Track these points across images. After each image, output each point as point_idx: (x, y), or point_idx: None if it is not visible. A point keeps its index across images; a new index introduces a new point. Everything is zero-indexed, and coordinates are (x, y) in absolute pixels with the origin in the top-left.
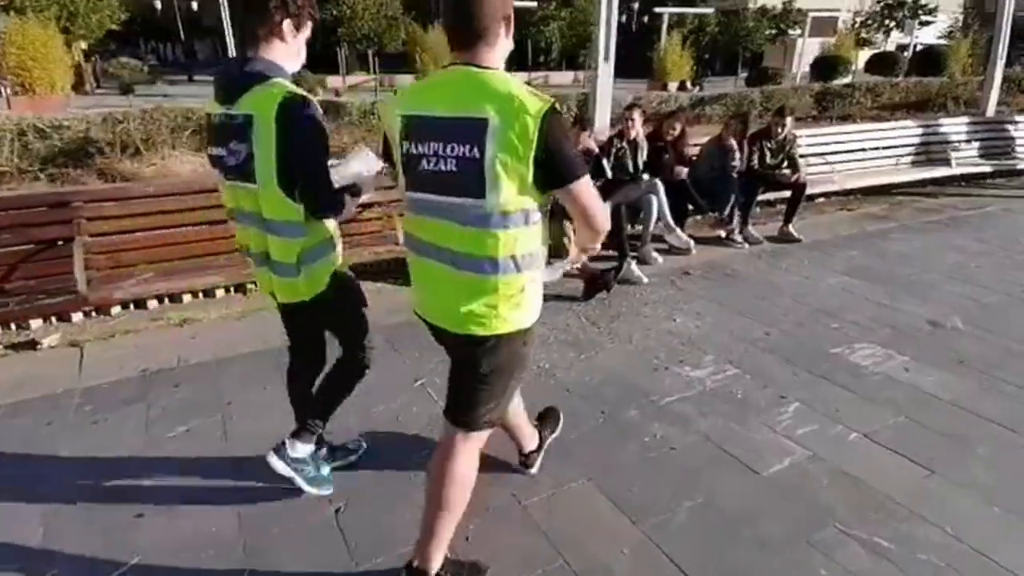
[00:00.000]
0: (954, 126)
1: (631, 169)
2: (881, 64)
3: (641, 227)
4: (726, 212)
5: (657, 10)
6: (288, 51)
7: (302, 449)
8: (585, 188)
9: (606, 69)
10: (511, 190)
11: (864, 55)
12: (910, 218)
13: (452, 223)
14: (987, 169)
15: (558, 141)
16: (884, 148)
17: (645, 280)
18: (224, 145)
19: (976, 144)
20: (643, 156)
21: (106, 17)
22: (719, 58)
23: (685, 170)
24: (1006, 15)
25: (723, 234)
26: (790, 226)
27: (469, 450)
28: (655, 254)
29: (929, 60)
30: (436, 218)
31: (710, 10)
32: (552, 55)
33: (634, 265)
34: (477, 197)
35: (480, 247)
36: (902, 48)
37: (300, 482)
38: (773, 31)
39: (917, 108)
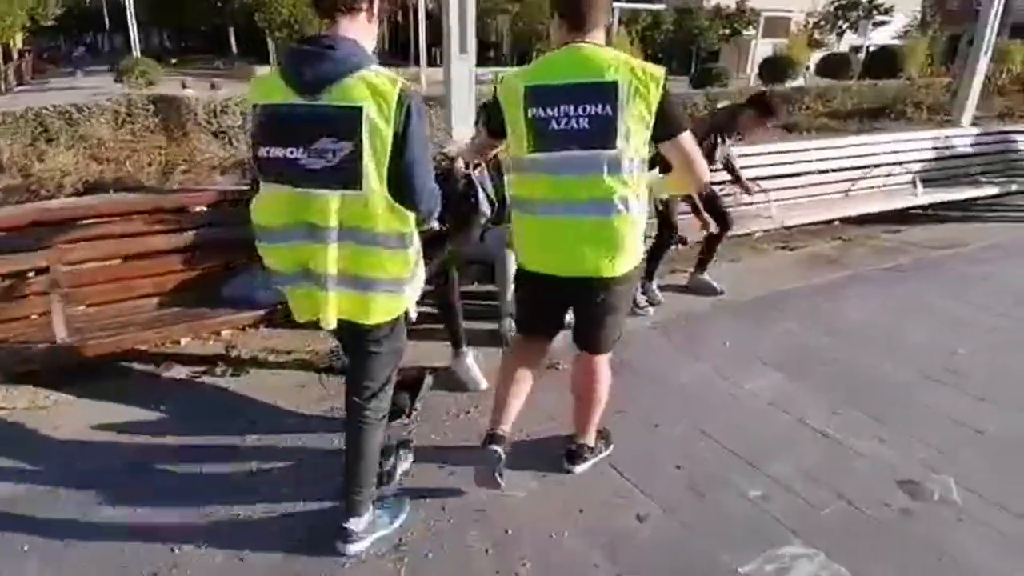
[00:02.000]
0: (921, 141)
1: (489, 204)
2: (833, 66)
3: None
4: None
5: None
6: (371, 31)
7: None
8: (688, 140)
9: (462, 66)
10: (636, 139)
11: (816, 57)
12: (867, 262)
13: (583, 174)
14: (968, 195)
15: (672, 100)
16: (834, 171)
17: (483, 385)
18: (304, 144)
19: (950, 163)
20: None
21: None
22: (675, 57)
23: None
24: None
25: None
26: (705, 274)
27: (604, 363)
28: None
29: (884, 61)
30: (566, 172)
31: (663, 6)
32: (503, 49)
33: (470, 358)
34: (609, 148)
35: (610, 191)
36: (856, 49)
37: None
38: (727, 31)
39: (872, 115)
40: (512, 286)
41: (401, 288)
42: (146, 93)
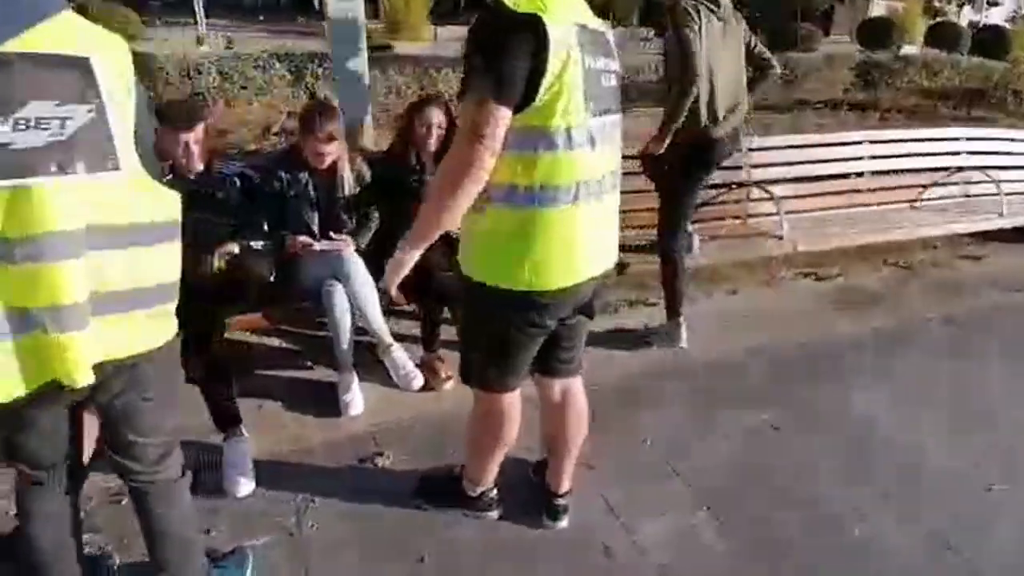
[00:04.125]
0: (1015, 143)
1: (314, 221)
2: (945, 36)
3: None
4: None
5: None
6: None
7: None
8: None
9: (346, 18)
10: None
11: (923, 27)
12: (919, 305)
13: (614, 143)
14: None
15: None
16: (894, 172)
17: (244, 490)
18: (2, 112)
19: None
20: (345, 194)
21: None
22: (766, 17)
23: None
24: None
25: None
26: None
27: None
28: (350, 394)
29: (992, 41)
30: (606, 142)
31: None
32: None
33: (246, 444)
34: (620, 112)
35: (619, 160)
36: (973, 25)
37: None
38: None
39: (973, 99)
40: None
41: (173, 295)
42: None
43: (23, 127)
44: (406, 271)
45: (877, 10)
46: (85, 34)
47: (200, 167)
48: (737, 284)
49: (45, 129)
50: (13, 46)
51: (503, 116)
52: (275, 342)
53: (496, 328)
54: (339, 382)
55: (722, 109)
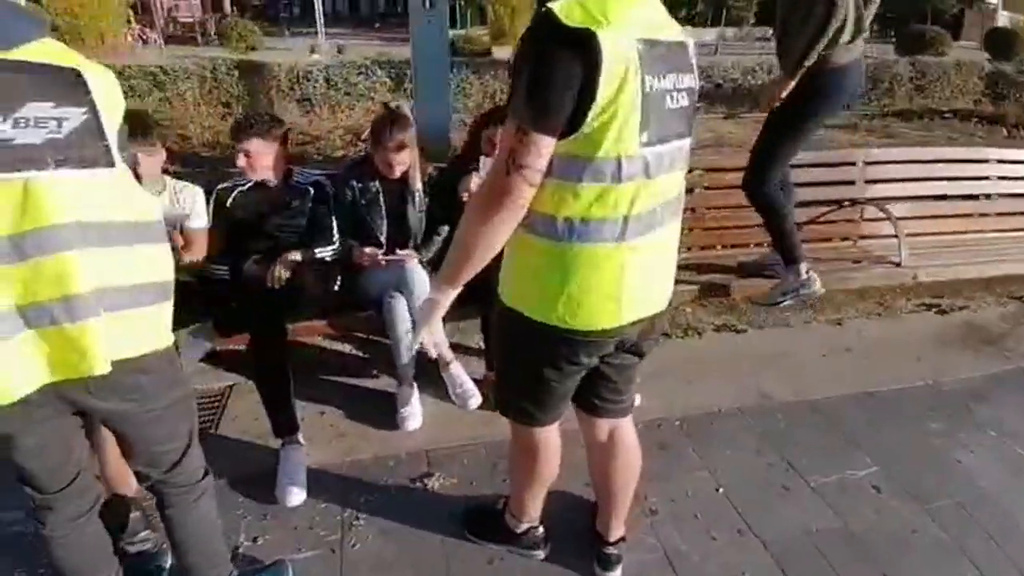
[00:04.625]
0: None
1: (382, 231)
2: None
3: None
4: None
5: None
6: None
7: None
8: None
9: (428, 24)
10: None
11: None
12: None
13: (677, 171)
14: None
15: None
16: (1017, 196)
17: (295, 501)
18: (2, 111)
19: None
20: (416, 205)
21: None
22: (909, 13)
23: None
24: None
25: None
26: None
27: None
28: (408, 408)
29: None
30: (670, 171)
31: None
32: (696, 6)
33: (301, 453)
34: (690, 135)
35: (682, 185)
36: None
37: None
38: None
39: None
40: (406, 344)
41: (168, 295)
42: (235, 57)
43: (23, 125)
44: (440, 314)
45: (1001, 20)
46: (71, 53)
47: (256, 178)
48: (842, 314)
49: (43, 128)
50: (7, 55)
51: (545, 145)
52: (345, 347)
53: (528, 359)
54: (398, 395)
55: (847, 34)
